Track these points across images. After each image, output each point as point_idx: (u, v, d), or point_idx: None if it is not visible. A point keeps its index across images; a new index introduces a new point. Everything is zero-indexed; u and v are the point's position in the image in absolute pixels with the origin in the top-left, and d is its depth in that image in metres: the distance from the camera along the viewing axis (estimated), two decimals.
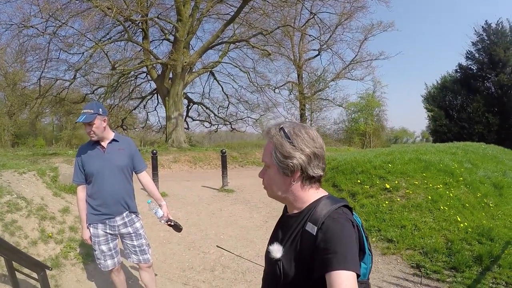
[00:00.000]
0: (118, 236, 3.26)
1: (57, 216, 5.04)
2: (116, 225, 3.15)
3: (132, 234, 3.22)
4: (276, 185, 1.29)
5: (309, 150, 1.21)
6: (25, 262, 2.84)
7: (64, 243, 4.58)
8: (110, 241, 3.19)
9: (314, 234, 1.14)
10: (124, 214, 3.18)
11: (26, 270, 3.06)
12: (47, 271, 3.03)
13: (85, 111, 2.98)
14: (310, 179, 1.25)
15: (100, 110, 3.04)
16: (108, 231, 3.14)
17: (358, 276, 1.04)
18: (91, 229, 3.13)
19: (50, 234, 4.55)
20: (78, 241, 4.76)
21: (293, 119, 22.15)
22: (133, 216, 3.26)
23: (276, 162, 1.23)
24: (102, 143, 3.11)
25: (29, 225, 4.48)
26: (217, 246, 2.44)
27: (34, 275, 2.94)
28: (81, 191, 3.16)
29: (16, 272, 3.13)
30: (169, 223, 3.21)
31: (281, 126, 1.26)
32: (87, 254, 4.56)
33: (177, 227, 3.26)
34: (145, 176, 3.36)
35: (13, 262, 2.97)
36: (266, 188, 1.34)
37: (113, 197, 3.09)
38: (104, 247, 3.16)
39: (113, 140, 3.17)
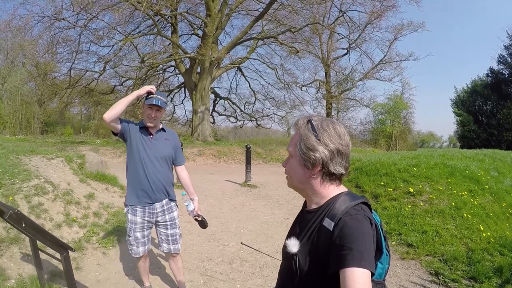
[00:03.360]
0: (153, 224, 3.33)
1: (82, 201, 5.23)
2: (156, 212, 3.23)
3: (168, 223, 3.30)
4: (296, 175, 1.29)
5: (333, 146, 1.19)
6: (49, 242, 2.94)
7: (88, 228, 4.76)
8: (145, 228, 3.26)
9: (331, 230, 1.13)
10: (164, 202, 3.26)
11: (49, 250, 3.18)
12: (70, 253, 3.13)
13: (159, 97, 3.08)
14: (331, 176, 1.24)
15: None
16: (146, 218, 3.20)
17: (372, 274, 1.03)
18: (129, 215, 3.18)
19: (74, 218, 4.72)
20: (101, 227, 4.94)
21: None
22: (172, 204, 3.35)
23: (299, 153, 1.24)
24: (151, 130, 3.20)
25: (55, 208, 4.67)
26: (241, 243, 2.48)
27: (57, 255, 3.05)
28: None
29: (39, 252, 3.28)
30: (196, 217, 3.28)
31: (309, 118, 1.26)
32: (109, 239, 4.73)
33: (203, 223, 3.32)
34: (183, 170, 3.46)
35: (37, 242, 3.11)
36: (287, 177, 1.35)
37: (155, 184, 3.15)
38: (138, 234, 3.23)
39: (162, 129, 3.27)
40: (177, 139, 3.42)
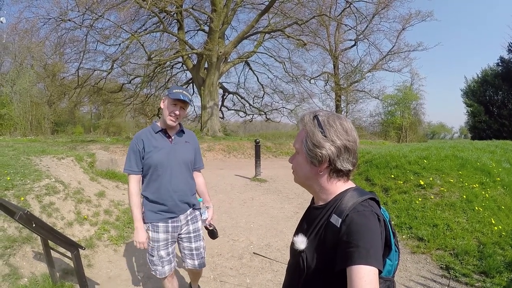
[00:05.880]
0: (176, 239, 2.97)
1: (93, 199, 5.31)
2: (180, 225, 2.85)
3: (192, 235, 2.94)
4: (303, 172, 1.27)
5: (340, 142, 1.17)
6: (60, 241, 2.98)
7: (99, 225, 4.83)
8: (169, 245, 2.85)
9: (338, 226, 1.12)
10: (188, 212, 2.90)
11: (61, 249, 3.23)
12: (81, 251, 3.16)
13: (184, 92, 2.69)
14: (338, 172, 1.22)
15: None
16: (170, 233, 2.80)
17: (380, 272, 1.02)
18: (151, 233, 2.75)
19: (85, 217, 4.79)
20: (112, 224, 5.00)
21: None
22: (197, 213, 2.98)
23: (305, 150, 1.22)
24: (169, 133, 2.79)
25: (66, 207, 4.74)
26: (254, 253, 2.46)
27: (68, 253, 3.09)
28: (137, 183, 2.75)
29: (51, 250, 3.34)
30: (208, 226, 3.05)
31: (315, 114, 1.24)
32: (120, 236, 4.80)
33: (213, 233, 3.10)
34: (201, 176, 3.10)
35: (48, 241, 3.15)
36: (294, 173, 1.33)
37: (178, 194, 2.77)
38: (163, 252, 2.81)
39: (181, 131, 2.86)
40: (196, 141, 3.02)
